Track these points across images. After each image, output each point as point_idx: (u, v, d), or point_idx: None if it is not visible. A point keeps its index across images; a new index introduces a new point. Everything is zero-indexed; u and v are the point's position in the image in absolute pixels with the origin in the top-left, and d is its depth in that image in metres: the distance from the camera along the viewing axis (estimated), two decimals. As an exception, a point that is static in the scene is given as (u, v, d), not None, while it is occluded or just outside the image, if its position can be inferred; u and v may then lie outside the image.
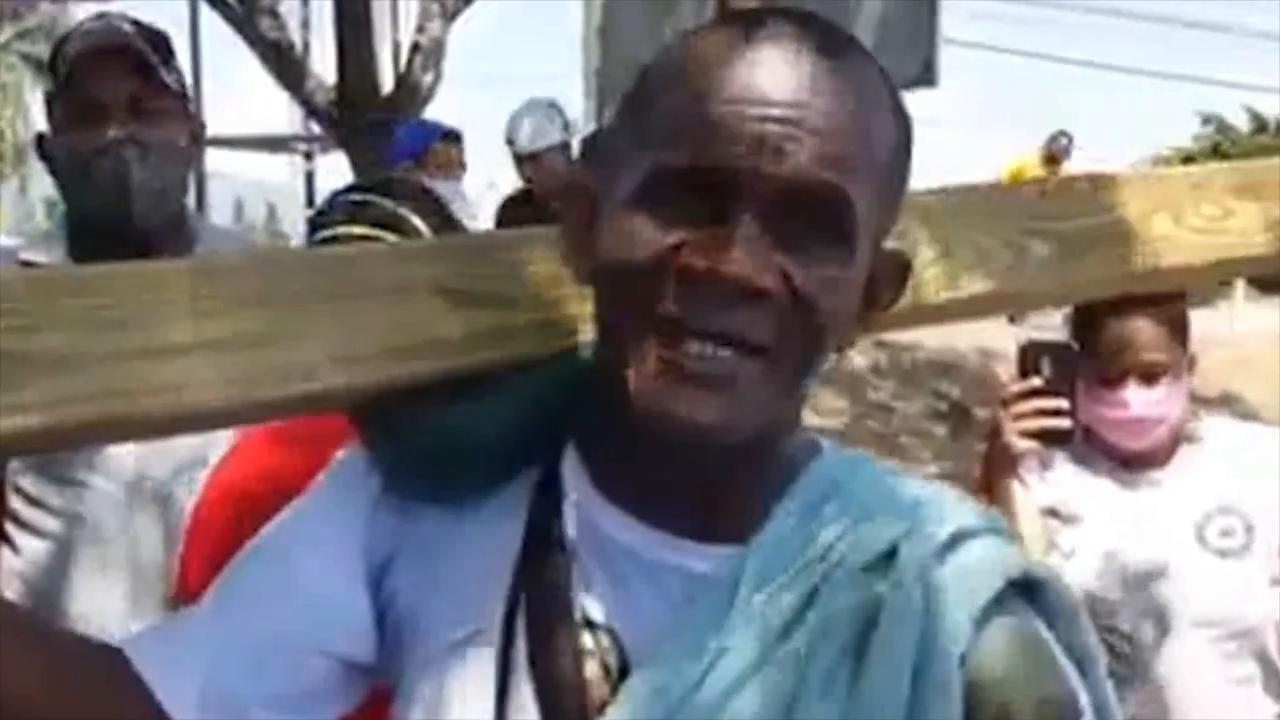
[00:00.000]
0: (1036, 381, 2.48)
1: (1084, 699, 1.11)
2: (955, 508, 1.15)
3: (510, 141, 5.91)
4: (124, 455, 2.33)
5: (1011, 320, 12.66)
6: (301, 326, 1.16)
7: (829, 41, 1.08)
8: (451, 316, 1.20)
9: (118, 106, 2.38)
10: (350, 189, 2.04)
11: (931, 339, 10.53)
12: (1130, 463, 2.65)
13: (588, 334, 1.18)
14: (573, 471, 1.16)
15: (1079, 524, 2.63)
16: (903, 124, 1.12)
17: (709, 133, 1.04)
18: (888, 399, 9.88)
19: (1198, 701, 2.56)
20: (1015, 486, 2.53)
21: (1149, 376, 2.55)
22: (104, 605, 2.36)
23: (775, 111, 1.04)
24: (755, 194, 1.03)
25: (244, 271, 1.19)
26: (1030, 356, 2.50)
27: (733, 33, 1.08)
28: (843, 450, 1.21)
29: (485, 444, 1.17)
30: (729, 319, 1.03)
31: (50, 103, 2.47)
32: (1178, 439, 2.64)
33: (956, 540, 1.11)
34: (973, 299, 1.42)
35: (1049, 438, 2.48)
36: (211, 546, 1.80)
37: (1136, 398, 2.55)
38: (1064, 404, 2.46)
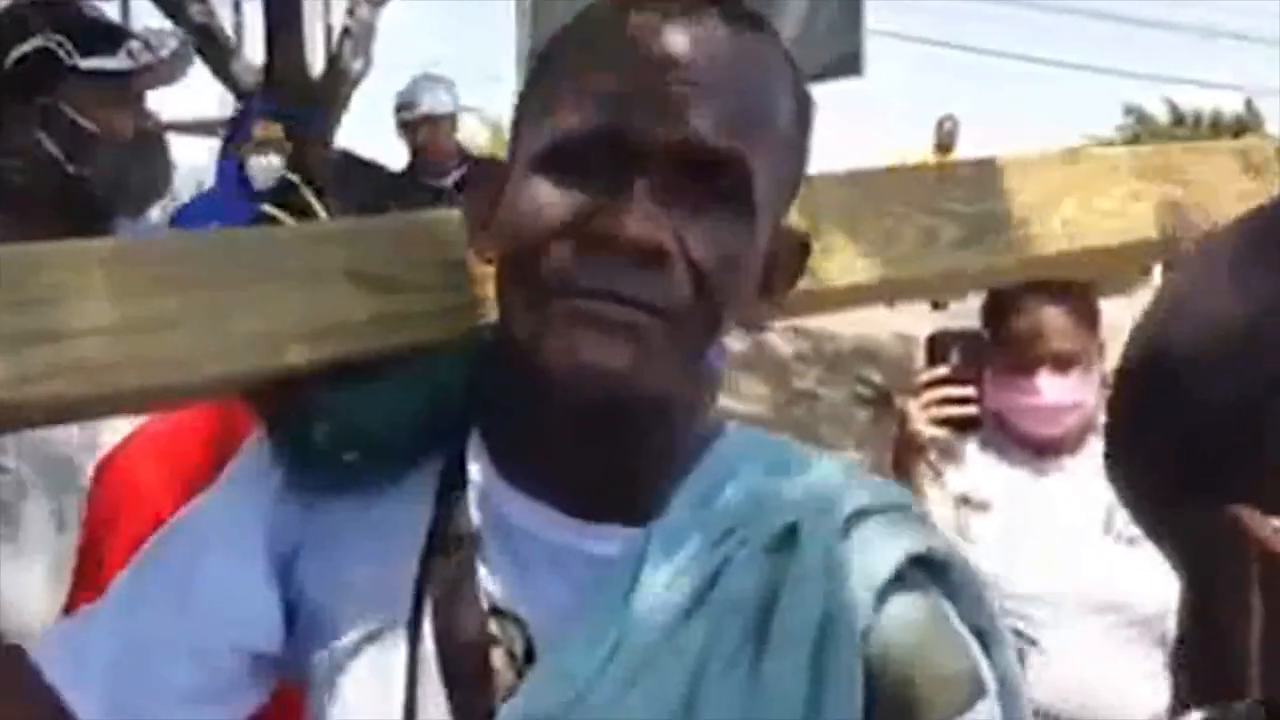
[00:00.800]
0: (944, 370, 2.53)
1: (988, 674, 1.11)
2: (859, 487, 1.15)
3: (405, 108, 6.32)
4: (34, 436, 2.28)
5: (935, 308, 12.76)
6: (214, 310, 1.15)
7: (730, 14, 1.09)
8: (358, 301, 1.19)
9: None
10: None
11: (854, 327, 10.59)
12: (1042, 450, 2.68)
13: (491, 318, 1.18)
14: (477, 458, 1.16)
15: (989, 511, 2.66)
16: (802, 101, 1.13)
17: (608, 98, 1.05)
18: (812, 386, 9.94)
19: (1102, 688, 2.58)
20: (926, 474, 2.58)
21: (1061, 364, 2.60)
22: (23, 590, 2.32)
23: (674, 77, 1.04)
24: (653, 159, 1.04)
25: (159, 254, 1.18)
26: (939, 345, 2.56)
27: (636, 3, 1.09)
28: (747, 431, 1.22)
29: (384, 432, 1.17)
30: (626, 281, 1.03)
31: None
32: (1089, 427, 2.67)
33: (858, 518, 1.12)
34: (878, 283, 1.42)
35: (956, 424, 2.54)
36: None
37: (1049, 385, 2.59)
38: (971, 392, 2.52)
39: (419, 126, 6.27)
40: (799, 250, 1.17)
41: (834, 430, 8.96)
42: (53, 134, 2.41)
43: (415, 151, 6.28)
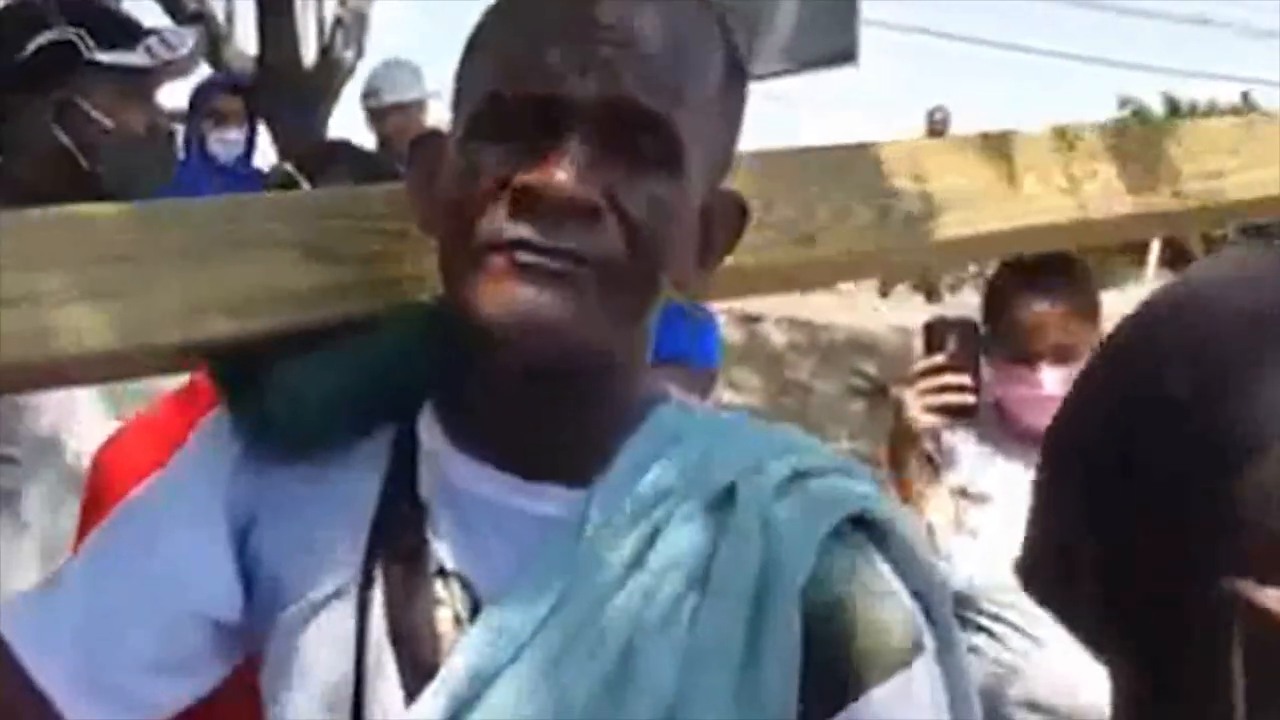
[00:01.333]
0: (940, 358, 2.53)
1: (926, 634, 1.12)
2: (801, 450, 1.17)
3: (371, 95, 6.02)
4: (40, 422, 2.32)
5: (929, 299, 12.78)
6: (162, 279, 1.16)
7: None
8: (302, 270, 1.20)
9: None
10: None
11: (848, 318, 10.61)
12: (1038, 437, 2.67)
13: (431, 290, 1.19)
14: (428, 426, 1.18)
15: (987, 504, 2.64)
16: (734, 66, 1.15)
17: (537, 59, 1.06)
18: (806, 378, 9.94)
19: (1100, 682, 2.56)
20: (924, 466, 2.58)
21: (1062, 357, 2.58)
22: (19, 573, 2.32)
23: (600, 34, 1.06)
24: (582, 115, 1.05)
25: (108, 223, 1.19)
26: (935, 333, 2.56)
27: None
28: (687, 399, 1.22)
29: (334, 401, 1.18)
30: (559, 234, 1.04)
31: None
32: None
33: (798, 477, 1.13)
34: (832, 259, 1.42)
35: (952, 412, 2.53)
36: None
37: (1050, 377, 2.57)
38: (967, 380, 2.52)
39: (387, 114, 5.98)
40: (736, 213, 1.18)
41: (828, 421, 8.96)
42: (67, 127, 2.39)
43: (383, 140, 5.94)
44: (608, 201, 1.05)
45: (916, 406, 2.52)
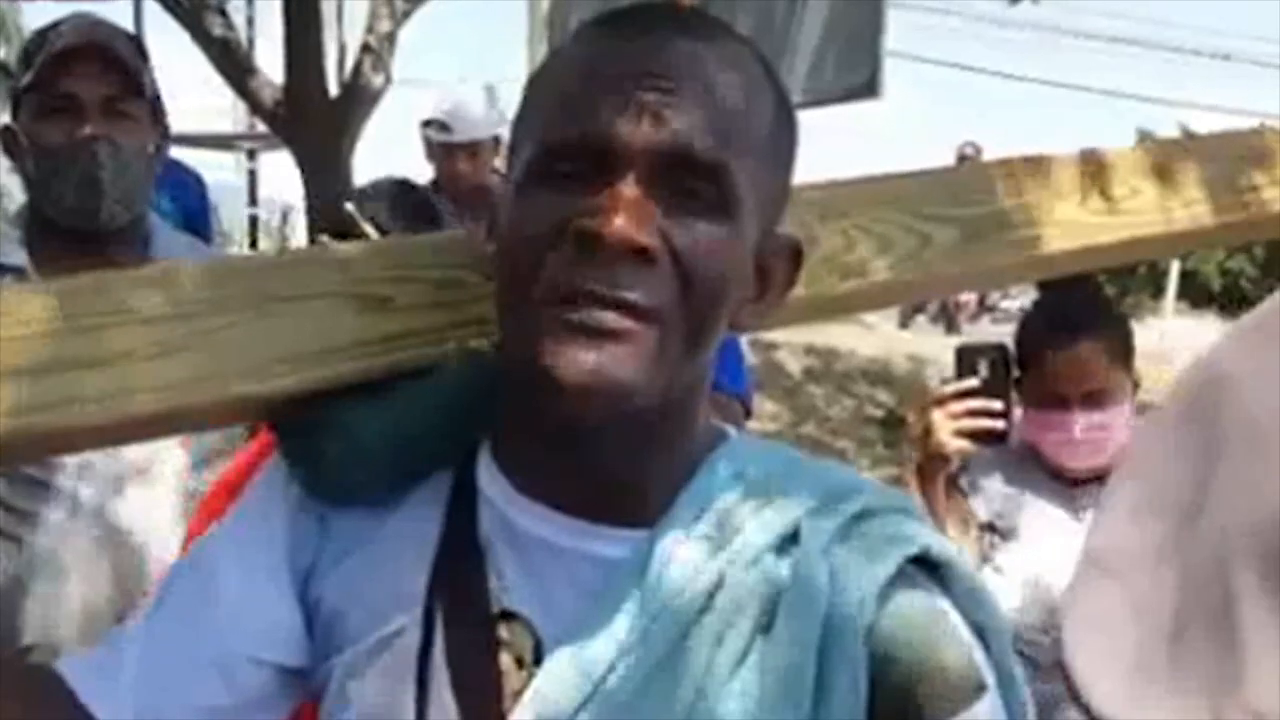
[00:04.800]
0: (972, 382, 2.51)
1: (987, 670, 1.14)
2: (861, 490, 1.18)
3: (440, 126, 5.06)
4: (63, 480, 2.35)
5: (949, 330, 12.75)
6: (214, 335, 1.20)
7: (705, 25, 1.14)
8: (356, 322, 1.23)
9: (93, 105, 2.40)
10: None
11: (864, 346, 10.62)
12: (1076, 484, 2.65)
13: (494, 335, 1.21)
14: (487, 469, 1.19)
15: (1015, 540, 2.65)
16: (783, 108, 1.17)
17: (591, 105, 1.08)
18: (822, 405, 9.95)
19: None
20: (951, 495, 2.57)
21: (1096, 401, 2.58)
22: (61, 626, 2.37)
23: (652, 82, 1.08)
24: (636, 160, 1.07)
25: (176, 278, 1.22)
26: (966, 358, 2.54)
27: (616, 19, 1.14)
28: (751, 438, 1.25)
29: (390, 445, 1.19)
30: (614, 279, 1.06)
31: (20, 97, 2.47)
32: (1115, 462, 2.68)
33: (859, 519, 1.15)
34: (876, 287, 1.43)
35: (982, 438, 2.51)
36: None
37: (1081, 421, 2.57)
38: (998, 405, 2.50)
39: (454, 152, 5.01)
40: (792, 255, 1.20)
41: (847, 449, 8.97)
42: (12, 153, 2.49)
43: (446, 178, 5.00)
44: (663, 244, 1.07)
45: (946, 430, 2.50)
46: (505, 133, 5.16)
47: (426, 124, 5.11)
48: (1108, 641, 0.90)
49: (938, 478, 2.56)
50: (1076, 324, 2.58)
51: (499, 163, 4.77)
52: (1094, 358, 2.58)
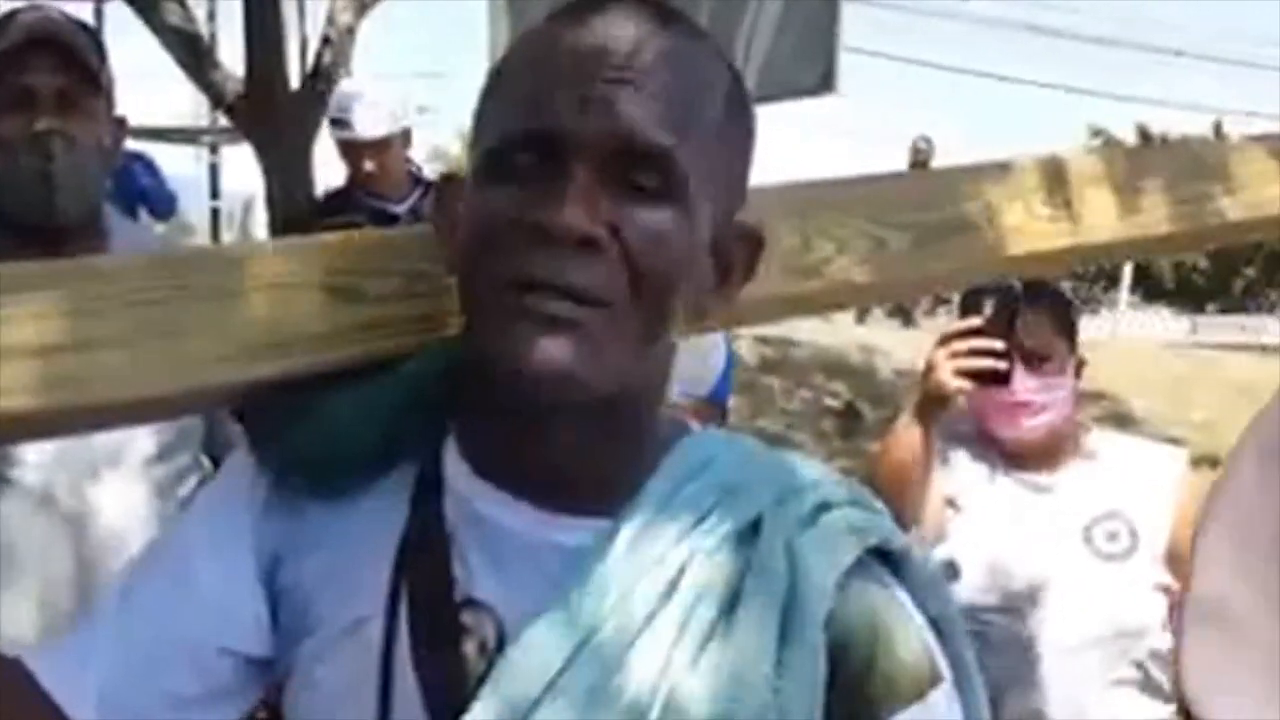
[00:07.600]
0: (976, 321, 2.51)
1: (943, 662, 1.15)
2: (821, 481, 1.19)
3: (341, 125, 5.01)
4: (28, 470, 2.33)
5: (905, 324, 12.83)
6: (177, 325, 1.20)
7: (660, 16, 1.14)
8: (326, 312, 1.23)
9: (47, 98, 2.36)
10: None
11: (817, 337, 10.69)
12: (1024, 460, 2.69)
13: (453, 329, 1.23)
14: (452, 458, 1.19)
15: (970, 516, 2.67)
16: (737, 95, 1.17)
17: (542, 97, 1.09)
18: (777, 396, 10.01)
19: (1077, 703, 2.60)
20: (935, 453, 2.59)
21: (1032, 362, 2.60)
22: (17, 621, 2.32)
23: (602, 72, 1.09)
24: (585, 150, 1.08)
25: (148, 265, 1.24)
26: (971, 298, 2.53)
27: (572, 11, 1.14)
28: (713, 430, 1.26)
29: (358, 438, 1.20)
30: (565, 269, 1.07)
31: None
32: (1068, 446, 2.70)
33: (820, 510, 1.16)
34: (832, 289, 1.44)
35: (983, 378, 2.51)
36: None
37: (1020, 382, 2.58)
38: (1001, 345, 2.50)
39: (360, 149, 4.96)
40: (752, 245, 1.20)
41: (804, 441, 9.02)
42: None
43: (358, 175, 5.01)
44: (610, 234, 1.08)
45: (947, 369, 2.50)
46: (414, 125, 4.98)
47: (333, 123, 5.09)
48: (1246, 701, 0.90)
49: (934, 419, 2.57)
50: (1019, 291, 2.58)
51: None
52: (1036, 319, 2.61)
